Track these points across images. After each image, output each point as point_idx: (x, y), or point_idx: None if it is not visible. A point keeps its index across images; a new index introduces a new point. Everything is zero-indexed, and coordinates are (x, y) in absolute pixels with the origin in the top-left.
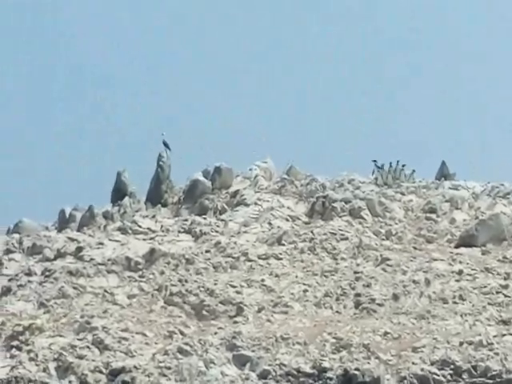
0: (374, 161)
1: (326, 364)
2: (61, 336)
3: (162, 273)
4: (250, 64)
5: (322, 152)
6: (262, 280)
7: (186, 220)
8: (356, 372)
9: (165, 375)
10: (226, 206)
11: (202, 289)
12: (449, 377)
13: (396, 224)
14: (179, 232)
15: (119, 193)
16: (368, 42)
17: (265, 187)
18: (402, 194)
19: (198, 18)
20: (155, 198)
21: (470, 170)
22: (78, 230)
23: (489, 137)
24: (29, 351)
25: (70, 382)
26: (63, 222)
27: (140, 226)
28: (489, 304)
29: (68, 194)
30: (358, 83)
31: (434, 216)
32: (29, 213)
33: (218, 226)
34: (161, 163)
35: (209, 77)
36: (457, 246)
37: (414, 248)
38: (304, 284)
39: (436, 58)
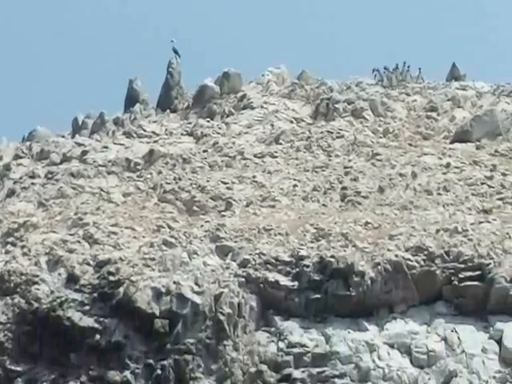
0: (375, 69)
1: (303, 252)
2: (54, 232)
3: (160, 172)
4: None
5: (335, 57)
6: (254, 176)
7: (190, 123)
8: (331, 259)
9: (148, 266)
10: (233, 110)
11: (194, 185)
12: (422, 262)
13: (395, 122)
14: (182, 134)
15: (131, 100)
16: None
17: (275, 92)
18: (408, 94)
19: None
20: (165, 103)
21: (481, 71)
22: (89, 137)
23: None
24: (22, 247)
25: (59, 274)
26: (76, 130)
27: (145, 130)
28: (472, 195)
29: (85, 103)
30: None
31: (434, 114)
32: (46, 122)
33: (219, 128)
34: (170, 69)
35: None
36: (452, 142)
37: (410, 145)
38: (295, 179)
39: None
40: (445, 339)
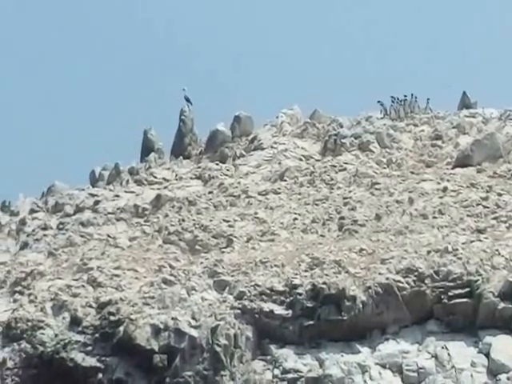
0: (379, 101)
1: (297, 281)
2: (59, 278)
3: (166, 216)
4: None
5: (346, 94)
6: (256, 213)
7: (200, 167)
8: (323, 286)
9: (148, 304)
10: (244, 152)
11: (197, 226)
12: (412, 283)
13: (399, 153)
14: (191, 178)
15: (147, 150)
16: None
17: (288, 132)
18: (415, 125)
19: None
20: (178, 151)
21: (493, 98)
22: (105, 187)
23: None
24: (29, 294)
25: (63, 318)
26: (93, 182)
27: (155, 177)
28: (467, 216)
29: (104, 156)
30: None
31: (439, 142)
32: (66, 177)
33: (227, 170)
34: (183, 117)
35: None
36: (454, 167)
37: (412, 173)
38: (295, 213)
39: None
40: (435, 356)
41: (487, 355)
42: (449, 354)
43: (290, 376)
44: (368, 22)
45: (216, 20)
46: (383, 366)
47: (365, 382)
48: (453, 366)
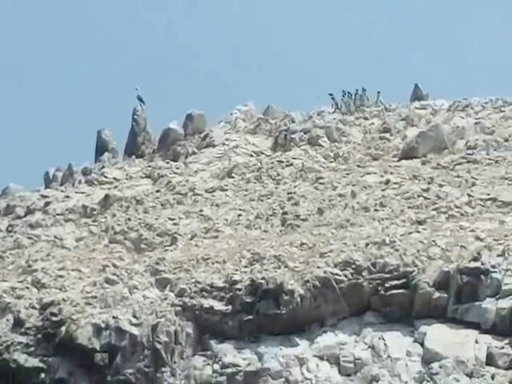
0: (330, 94)
1: (236, 277)
2: (5, 281)
3: (114, 215)
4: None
5: (299, 90)
6: (201, 210)
7: (150, 166)
8: (261, 281)
9: (90, 304)
10: (196, 150)
11: (142, 224)
12: (350, 276)
13: (347, 146)
14: (141, 178)
15: (101, 150)
16: None
17: (242, 129)
18: (366, 118)
19: None
20: (132, 150)
21: (444, 89)
22: (57, 188)
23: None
24: None
25: (7, 320)
26: (48, 183)
27: (106, 177)
28: (408, 207)
29: (61, 157)
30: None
31: (387, 135)
32: (22, 179)
33: (177, 168)
34: (135, 117)
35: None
36: (400, 160)
37: (358, 166)
38: (240, 209)
39: None
40: (372, 347)
41: (422, 344)
42: (385, 344)
43: (229, 371)
44: (368, 21)
45: (216, 20)
46: (321, 358)
47: (302, 374)
48: (388, 356)
